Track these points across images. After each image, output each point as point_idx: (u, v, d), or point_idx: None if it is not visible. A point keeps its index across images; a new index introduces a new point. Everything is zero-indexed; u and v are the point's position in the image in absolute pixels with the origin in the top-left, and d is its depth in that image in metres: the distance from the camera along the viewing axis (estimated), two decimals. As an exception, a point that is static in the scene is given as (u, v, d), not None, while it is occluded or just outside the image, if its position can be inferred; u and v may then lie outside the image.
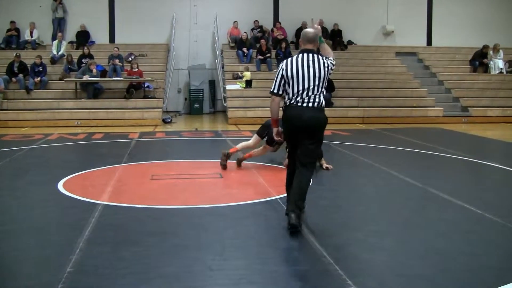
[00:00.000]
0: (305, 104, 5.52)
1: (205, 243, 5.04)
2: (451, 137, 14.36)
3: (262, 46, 20.31)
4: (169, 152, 11.18)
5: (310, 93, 5.53)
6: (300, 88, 5.53)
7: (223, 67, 20.62)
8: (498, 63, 21.41)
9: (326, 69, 5.59)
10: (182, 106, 21.63)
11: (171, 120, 17.63)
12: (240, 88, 18.91)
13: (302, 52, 5.67)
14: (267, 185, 7.60)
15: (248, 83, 18.90)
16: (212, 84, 21.65)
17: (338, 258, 4.58)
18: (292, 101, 5.58)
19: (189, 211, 6.23)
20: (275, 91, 5.65)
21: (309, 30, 5.74)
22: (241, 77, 19.37)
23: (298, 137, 5.58)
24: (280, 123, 5.85)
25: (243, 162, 9.20)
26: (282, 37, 21.20)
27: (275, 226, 5.57)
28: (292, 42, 21.79)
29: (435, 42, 23.41)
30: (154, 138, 13.46)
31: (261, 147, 9.31)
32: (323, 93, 5.60)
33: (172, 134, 14.31)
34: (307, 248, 4.85)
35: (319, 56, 5.65)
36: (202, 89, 20.95)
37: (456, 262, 4.56)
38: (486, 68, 21.62)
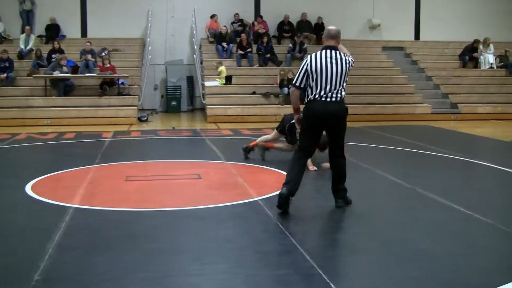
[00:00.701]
0: (328, 99, 6.07)
1: (183, 247, 5.04)
2: (439, 135, 14.49)
3: (242, 40, 20.33)
4: (145, 152, 11.14)
5: (333, 88, 6.07)
6: (323, 83, 6.06)
7: (201, 63, 20.60)
8: (488, 58, 21.65)
9: (347, 65, 6.16)
10: (158, 104, 21.58)
11: (147, 119, 17.58)
12: (219, 85, 18.91)
13: (325, 48, 6.20)
14: (247, 186, 7.62)
15: (228, 80, 18.91)
16: (190, 80, 21.62)
17: (321, 261, 4.60)
18: (316, 96, 6.09)
19: (166, 213, 6.22)
20: (297, 84, 6.21)
21: (331, 27, 6.28)
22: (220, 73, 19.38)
23: (322, 130, 6.21)
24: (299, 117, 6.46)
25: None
26: (264, 31, 21.24)
27: (256, 229, 5.59)
28: (274, 36, 21.84)
29: (423, 36, 23.60)
30: (129, 138, 13.41)
31: (285, 144, 9.69)
32: (344, 87, 6.18)
33: (148, 133, 14.27)
34: (289, 251, 4.87)
35: (341, 53, 6.20)
36: (180, 86, 20.92)
37: (443, 264, 4.61)
38: (476, 63, 21.85)
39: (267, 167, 9.04)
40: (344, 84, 6.20)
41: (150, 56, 20.40)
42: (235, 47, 20.66)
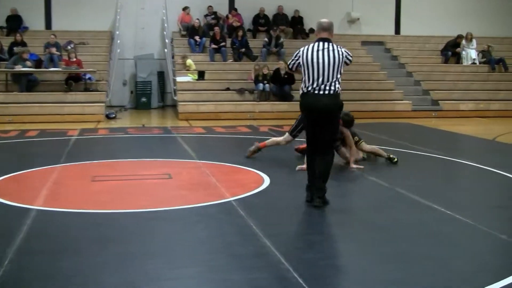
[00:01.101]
0: (321, 92, 6.29)
1: (152, 250, 5.03)
2: (420, 132, 14.63)
3: (216, 34, 20.30)
4: (113, 151, 11.09)
5: (325, 81, 6.28)
6: (315, 75, 6.30)
7: (173, 57, 20.53)
8: (470, 53, 21.89)
9: (340, 57, 6.33)
10: (127, 100, 21.45)
11: (116, 116, 17.48)
12: (191, 80, 18.86)
13: (318, 40, 6.45)
14: (220, 186, 7.63)
15: (201, 75, 18.88)
16: (161, 75, 21.53)
17: (296, 264, 4.63)
18: (309, 89, 6.35)
19: (135, 215, 6.21)
20: (290, 66, 6.67)
21: (323, 19, 6.55)
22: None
23: (318, 123, 6.39)
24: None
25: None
26: (238, 24, 21.24)
27: (229, 231, 5.60)
28: (249, 30, 21.84)
29: (403, 30, 23.79)
30: (96, 136, 13.33)
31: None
32: (338, 80, 6.36)
33: (117, 131, 14.19)
34: (263, 254, 4.89)
35: (334, 45, 6.41)
36: (150, 81, 20.82)
37: (422, 267, 4.66)
38: (458, 59, 22.08)
39: (241, 167, 9.05)
40: (339, 77, 6.35)
41: (118, 50, 20.26)
42: (208, 41, 20.61)
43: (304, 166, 8.71)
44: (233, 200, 6.79)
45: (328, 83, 6.29)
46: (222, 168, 9.07)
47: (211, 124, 15.74)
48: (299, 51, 6.52)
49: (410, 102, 19.03)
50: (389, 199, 7.01)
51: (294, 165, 9.03)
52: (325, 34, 6.48)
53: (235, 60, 20.18)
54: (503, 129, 15.36)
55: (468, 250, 5.13)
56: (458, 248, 5.19)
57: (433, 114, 18.87)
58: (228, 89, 18.66)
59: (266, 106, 18.11)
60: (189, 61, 19.42)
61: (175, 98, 19.04)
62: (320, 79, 6.30)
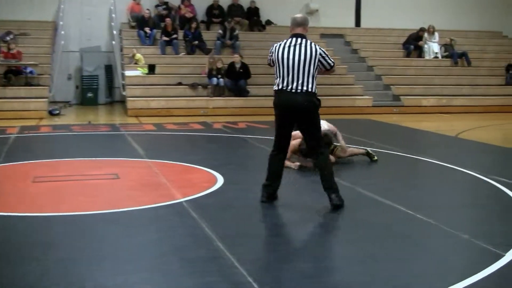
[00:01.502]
0: (293, 90, 6.27)
1: (98, 256, 4.96)
2: (381, 129, 14.79)
3: (167, 25, 20.18)
4: (56, 150, 10.96)
5: (297, 78, 6.26)
6: (286, 71, 6.30)
7: (121, 50, 20.35)
8: (433, 47, 22.25)
9: (313, 53, 6.29)
10: (72, 96, 21.20)
11: (59, 112, 17.25)
12: (141, 75, 18.73)
13: (292, 36, 6.46)
14: (171, 186, 7.58)
15: (151, 69, 18.76)
16: (109, 69, 21.34)
17: (252, 268, 4.62)
18: (281, 86, 6.35)
19: (79, 218, 6.12)
20: (268, 62, 6.71)
21: (297, 15, 6.63)
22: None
23: (292, 123, 6.48)
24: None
25: None
26: (191, 15, 21.16)
27: (180, 234, 5.57)
28: (202, 22, 21.78)
29: (364, 22, 24.04)
30: (38, 134, 13.13)
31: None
32: (313, 78, 6.32)
33: (61, 128, 14.01)
34: (217, 258, 4.87)
35: (309, 41, 6.41)
36: (97, 76, 20.62)
37: (385, 268, 4.70)
38: (420, 53, 22.41)
39: (193, 166, 9.01)
40: (315, 74, 6.33)
41: (63, 42, 19.99)
42: (159, 33, 20.48)
43: (298, 163, 8.76)
44: (185, 201, 6.75)
45: (300, 81, 6.27)
46: (173, 167, 9.02)
47: (162, 120, 15.65)
48: (273, 46, 6.53)
49: (371, 97, 19.25)
50: (350, 199, 7.05)
51: (249, 163, 9.05)
52: (299, 29, 6.49)
53: (187, 53, 20.09)
54: (466, 125, 15.65)
55: (430, 251, 5.19)
56: (420, 249, 5.25)
57: (394, 110, 19.11)
58: (180, 84, 18.57)
59: (220, 101, 18.10)
60: (139, 56, 19.27)
61: (123, 93, 18.88)
62: (291, 77, 6.29)
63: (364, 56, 22.08)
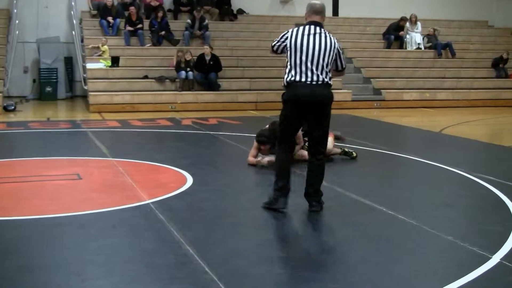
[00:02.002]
0: (312, 81, 6.15)
1: (58, 262, 4.94)
2: (361, 124, 14.89)
3: (131, 15, 20.10)
4: (12, 149, 10.87)
5: (315, 69, 6.17)
6: (304, 61, 6.16)
7: (82, 41, 20.22)
8: (415, 37, 22.42)
9: (333, 46, 6.25)
10: (29, 90, 21.03)
11: (15, 108, 17.10)
12: (104, 67, 18.63)
13: (309, 24, 6.33)
14: (137, 187, 7.57)
15: (115, 61, 18.66)
16: (69, 62, 21.20)
17: (223, 273, 4.64)
18: (297, 77, 6.19)
19: (38, 222, 6.08)
20: (274, 48, 6.46)
21: (315, 1, 6.48)
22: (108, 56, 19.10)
23: (306, 118, 6.33)
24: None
25: None
26: (157, 4, 21.09)
27: (147, 238, 5.57)
28: (169, 10, 21.72)
29: (342, 12, 24.15)
30: (-8, 131, 13.03)
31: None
32: (329, 71, 6.28)
33: (16, 125, 13.91)
34: (186, 263, 4.87)
35: (326, 32, 6.34)
36: (56, 69, 20.46)
37: (362, 272, 4.75)
38: (401, 44, 22.55)
39: (161, 165, 9.01)
40: (329, 68, 6.26)
41: (17, 32, 19.81)
42: (122, 22, 20.39)
43: (267, 159, 8.76)
44: (152, 202, 6.74)
45: (320, 72, 6.18)
46: (139, 166, 9.01)
47: (127, 117, 15.60)
48: (287, 32, 6.36)
49: (350, 91, 19.34)
50: (328, 200, 7.09)
51: (220, 162, 9.06)
52: (318, 17, 6.37)
53: (153, 45, 20.03)
54: (450, 120, 15.82)
55: (412, 254, 5.25)
56: (401, 252, 5.31)
57: (375, 104, 19.24)
58: (146, 77, 18.51)
59: (189, 96, 18.08)
60: (105, 47, 19.16)
61: (85, 87, 18.77)
62: (310, 67, 6.17)
63: (343, 48, 21.95)
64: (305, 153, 8.82)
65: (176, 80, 18.33)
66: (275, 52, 6.49)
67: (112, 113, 16.50)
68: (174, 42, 20.10)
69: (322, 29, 6.33)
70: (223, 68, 18.60)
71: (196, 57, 18.42)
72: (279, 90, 19.78)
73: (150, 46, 20.02)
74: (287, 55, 6.34)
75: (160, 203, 6.72)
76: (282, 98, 6.39)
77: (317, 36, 6.24)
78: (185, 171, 8.47)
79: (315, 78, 6.17)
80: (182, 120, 14.94)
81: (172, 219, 6.08)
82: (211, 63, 18.23)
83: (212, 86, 18.30)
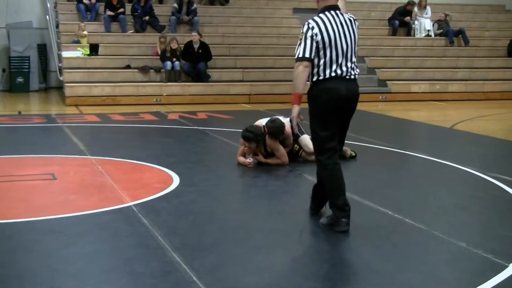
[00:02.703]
0: (347, 76, 5.95)
1: (28, 271, 4.93)
2: (365, 119, 14.86)
3: (112, -3, 20.09)
4: (-20, 146, 10.83)
5: (352, 61, 5.98)
6: (340, 55, 5.90)
7: (57, 26, 20.16)
8: (424, 23, 22.38)
9: (357, 30, 6.08)
10: (-1, 81, 21.01)
11: (-16, 101, 17.07)
12: (82, 56, 18.58)
13: (329, 9, 5.99)
14: (118, 188, 7.56)
15: (94, 49, 18.61)
16: (43, 49, 21.15)
17: (212, 283, 4.64)
18: (333, 73, 5.90)
19: (8, 227, 6.07)
20: (307, 55, 5.88)
21: None
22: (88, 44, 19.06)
23: (339, 117, 6.03)
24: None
25: None
26: (140, -15, 21.06)
27: (129, 244, 5.56)
28: (153, -7, 21.70)
29: (344, -5, 24.07)
30: (-43, 126, 12.99)
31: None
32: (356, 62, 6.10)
33: (-15, 120, 13.87)
34: (171, 272, 4.87)
35: (345, 15, 6.04)
36: (28, 57, 20.41)
37: (366, 281, 4.75)
38: (408, 30, 22.52)
39: (144, 163, 9.00)
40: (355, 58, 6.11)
41: (-15, 17, 19.78)
42: (102, 6, 20.34)
43: (251, 159, 8.75)
44: (134, 205, 6.74)
45: (352, 65, 5.99)
46: (121, 165, 8.99)
47: (107, 110, 15.58)
48: (312, 27, 5.88)
49: (354, 82, 19.26)
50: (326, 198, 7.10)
51: (209, 161, 9.06)
52: (334, 0, 6.06)
53: (136, 31, 19.99)
54: (462, 114, 15.83)
55: (420, 261, 5.24)
56: (408, 259, 5.31)
57: (380, 97, 19.23)
58: (128, 67, 18.48)
59: (176, 88, 18.05)
60: (85, 33, 19.10)
61: (61, 78, 18.72)
62: (343, 60, 5.93)
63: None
64: (283, 160, 8.84)
65: (162, 70, 18.30)
66: (310, 60, 5.90)
67: (91, 107, 16.46)
68: (159, 29, 20.06)
69: (343, 14, 6.04)
70: (213, 57, 18.57)
71: (183, 45, 18.38)
72: (275, 82, 19.73)
73: (132, 32, 19.98)
74: (319, 51, 5.93)
75: (144, 206, 6.71)
76: (309, 96, 6.12)
77: (345, 24, 5.96)
78: (171, 170, 8.46)
79: (350, 72, 5.99)
80: (168, 114, 14.92)
81: (157, 223, 6.08)
82: (200, 51, 18.19)
83: (201, 77, 18.27)
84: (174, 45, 18.22)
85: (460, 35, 22.29)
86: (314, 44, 5.86)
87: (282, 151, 8.94)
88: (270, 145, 8.86)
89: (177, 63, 18.20)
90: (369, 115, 15.54)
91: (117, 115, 14.74)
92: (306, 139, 9.10)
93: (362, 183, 8.00)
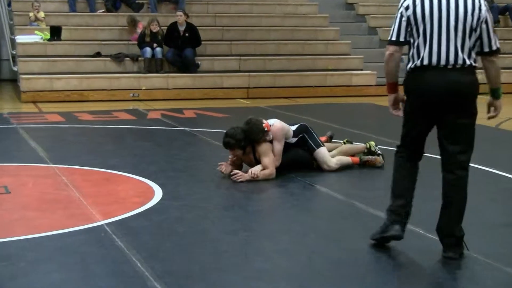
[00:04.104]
0: (448, 64, 5.74)
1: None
2: (388, 117, 14.83)
3: (78, -30, 20.12)
4: None
5: (456, 45, 5.73)
6: (436, 37, 5.73)
7: (9, 5, 20.20)
8: (461, -1, 22.39)
9: (478, 10, 5.73)
10: None
11: None
12: (41, 41, 18.58)
13: None
14: (86, 203, 7.55)
15: (55, 33, 18.56)
16: (-8, 34, 21.21)
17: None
18: (426, 61, 5.77)
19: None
20: (393, 37, 5.92)
21: None
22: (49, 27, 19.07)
23: (435, 119, 5.91)
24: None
25: None
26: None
27: (100, 272, 5.56)
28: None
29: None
30: None
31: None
32: (472, 48, 5.79)
33: None
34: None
35: None
36: (-27, 43, 20.48)
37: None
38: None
39: (119, 173, 9.00)
40: (472, 42, 5.79)
41: None
42: (66, -20, 20.41)
43: (230, 168, 8.74)
44: (107, 223, 6.73)
45: (457, 51, 5.75)
46: (90, 175, 8.99)
47: (72, 108, 15.62)
48: (401, 3, 5.90)
49: (375, 72, 19.30)
50: (343, 218, 7.11)
51: (198, 168, 9.07)
52: None
53: (108, 11, 20.01)
54: (510, 111, 15.79)
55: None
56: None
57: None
58: (98, 54, 18.49)
59: (157, 80, 18.04)
60: (42, 13, 19.13)
61: (15, 68, 18.73)
62: (445, 44, 5.75)
63: (363, 14, 22.17)
64: (268, 172, 8.71)
65: (140, 58, 18.31)
66: (399, 44, 5.94)
67: (53, 104, 16.47)
68: (136, 7, 20.07)
69: None
70: (202, 43, 18.57)
71: (166, 28, 18.39)
72: (278, 72, 19.75)
73: (103, 12, 20.00)
74: (411, 31, 5.88)
75: (119, 225, 6.71)
76: (404, 88, 6.08)
77: None
78: (151, 181, 8.46)
79: (451, 59, 5.77)
80: (148, 112, 14.94)
81: (135, 246, 6.08)
82: (187, 35, 18.18)
83: (187, 66, 18.26)
84: (154, 28, 18.19)
85: (507, 13, 22.27)
86: (404, 23, 5.83)
87: (270, 158, 8.69)
88: (260, 149, 8.74)
89: (158, 49, 18.18)
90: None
91: (85, 114, 14.75)
92: (323, 154, 9.06)
93: (386, 195, 7.98)
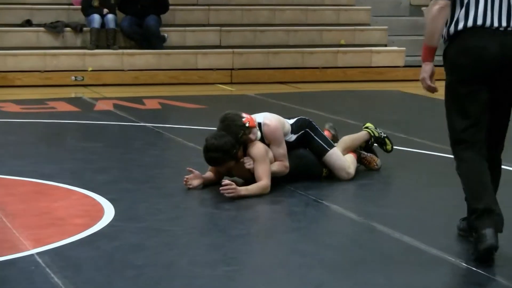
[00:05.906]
0: (503, 26, 6.03)
1: None
2: (416, 109, 14.96)
3: None
4: None
5: (507, 7, 6.03)
6: None
7: None
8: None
9: None
10: None
11: None
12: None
13: None
14: (11, 225, 7.55)
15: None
16: None
17: None
18: (477, 22, 6.04)
19: None
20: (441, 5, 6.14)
21: None
22: None
23: (490, 91, 6.19)
24: None
25: None
26: None
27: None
28: None
29: None
30: None
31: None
32: None
33: None
34: None
35: None
36: None
37: None
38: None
39: (56, 184, 9.00)
40: None
41: None
42: None
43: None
44: (39, 253, 6.73)
45: (509, 10, 6.05)
46: (17, 187, 9.01)
47: (-6, 96, 15.64)
48: None
49: (402, 49, 19.41)
50: (359, 242, 7.18)
51: (163, 178, 9.11)
52: None
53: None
54: None
55: None
56: None
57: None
58: (28, 23, 18.50)
59: (109, 59, 18.08)
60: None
61: None
62: (498, 4, 6.04)
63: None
64: (263, 184, 8.58)
65: (85, 29, 18.33)
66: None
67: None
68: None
69: None
70: (171, 8, 18.61)
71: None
72: (272, 48, 19.94)
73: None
74: None
75: (55, 255, 6.72)
76: (443, 61, 6.37)
77: None
78: (100, 196, 8.47)
79: (505, 20, 6.09)
80: (97, 102, 14.94)
81: (76, 283, 6.09)
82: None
83: (150, 40, 18.29)
84: (105, -11, 18.30)
85: None
86: None
87: (265, 166, 8.54)
88: (251, 152, 8.59)
89: (110, 16, 18.20)
90: (426, 102, 15.58)
91: (10, 103, 14.80)
92: (338, 157, 9.01)
93: (412, 214, 8.04)
